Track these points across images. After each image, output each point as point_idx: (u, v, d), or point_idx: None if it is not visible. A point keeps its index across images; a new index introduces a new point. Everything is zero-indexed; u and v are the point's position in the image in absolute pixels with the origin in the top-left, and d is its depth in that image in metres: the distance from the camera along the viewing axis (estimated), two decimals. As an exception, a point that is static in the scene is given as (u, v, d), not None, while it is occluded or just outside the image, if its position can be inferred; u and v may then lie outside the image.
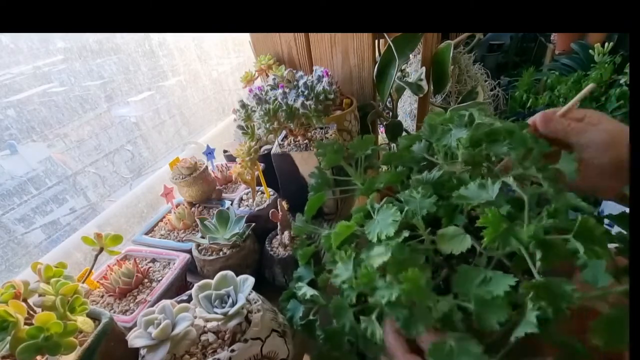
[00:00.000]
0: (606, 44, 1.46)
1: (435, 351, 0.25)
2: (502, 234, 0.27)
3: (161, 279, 0.51)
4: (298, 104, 0.57)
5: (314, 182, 0.46)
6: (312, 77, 0.62)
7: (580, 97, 0.38)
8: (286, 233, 0.55)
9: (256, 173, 0.62)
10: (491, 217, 0.27)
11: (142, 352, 0.36)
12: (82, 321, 0.36)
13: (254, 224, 0.55)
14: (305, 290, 0.38)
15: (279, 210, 0.54)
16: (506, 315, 0.24)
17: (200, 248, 0.54)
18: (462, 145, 0.35)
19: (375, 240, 0.32)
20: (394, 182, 0.40)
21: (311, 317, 0.38)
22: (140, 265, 0.53)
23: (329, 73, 0.63)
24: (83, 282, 0.46)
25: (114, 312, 0.47)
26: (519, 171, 0.32)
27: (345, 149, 0.47)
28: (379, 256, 0.30)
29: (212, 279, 0.41)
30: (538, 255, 0.25)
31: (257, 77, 0.88)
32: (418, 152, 0.42)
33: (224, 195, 0.73)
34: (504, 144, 0.34)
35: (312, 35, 0.85)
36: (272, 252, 0.55)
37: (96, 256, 0.48)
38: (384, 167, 0.47)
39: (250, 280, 0.41)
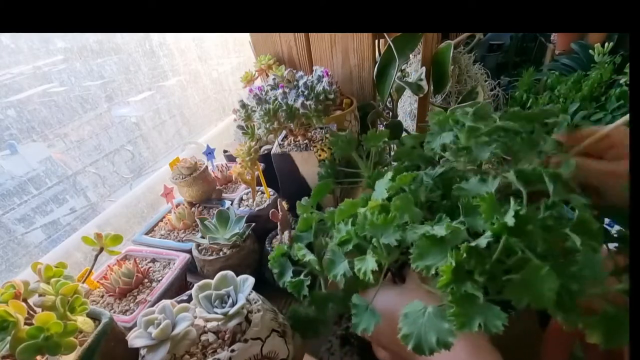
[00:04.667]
0: (606, 44, 1.46)
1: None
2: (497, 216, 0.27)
3: (161, 279, 0.51)
4: (298, 104, 0.57)
5: (323, 171, 0.47)
6: (312, 77, 0.62)
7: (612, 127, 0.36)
8: (286, 233, 0.55)
9: (256, 173, 0.62)
10: (488, 200, 0.27)
11: (142, 352, 0.36)
12: (82, 321, 0.36)
13: (254, 224, 0.55)
14: (305, 253, 0.40)
15: (279, 210, 0.54)
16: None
17: (200, 248, 0.54)
18: (462, 142, 0.36)
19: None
20: None
21: (302, 277, 0.40)
22: (140, 265, 0.53)
23: (329, 73, 0.63)
24: (83, 282, 0.46)
25: (114, 312, 0.47)
26: (523, 167, 0.32)
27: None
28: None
29: (212, 279, 0.41)
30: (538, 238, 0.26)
31: (257, 77, 0.88)
32: (427, 150, 0.43)
33: (224, 195, 0.73)
34: (495, 144, 0.34)
35: (312, 35, 0.85)
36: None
37: (96, 256, 0.48)
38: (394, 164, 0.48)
39: (250, 280, 0.41)
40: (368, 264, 0.32)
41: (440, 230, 0.27)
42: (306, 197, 0.47)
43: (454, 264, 0.25)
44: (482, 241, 0.25)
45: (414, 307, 0.28)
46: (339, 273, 0.35)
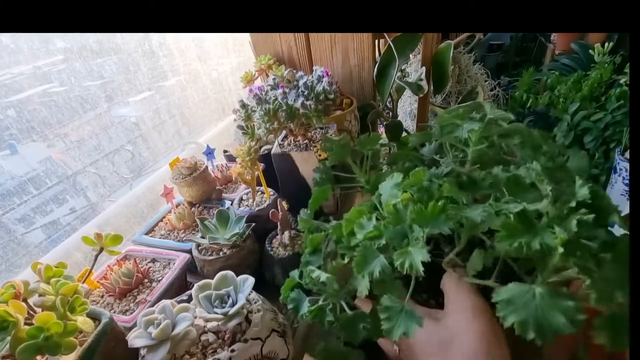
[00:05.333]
0: (606, 44, 1.46)
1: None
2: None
3: (161, 279, 0.51)
4: (298, 104, 0.57)
5: (318, 177, 0.46)
6: (312, 77, 0.62)
7: None
8: (286, 233, 0.55)
9: (256, 173, 0.62)
10: (538, 175, 0.27)
11: (142, 352, 0.36)
12: (82, 321, 0.36)
13: (254, 224, 0.55)
14: (319, 274, 0.36)
15: (279, 210, 0.54)
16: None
17: (200, 248, 0.54)
18: (472, 141, 0.35)
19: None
20: None
21: (321, 303, 0.36)
22: (140, 265, 0.53)
23: (329, 73, 0.63)
24: (83, 282, 0.46)
25: (114, 312, 0.47)
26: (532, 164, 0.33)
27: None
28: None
29: (212, 279, 0.41)
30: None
31: (257, 77, 0.88)
32: (427, 153, 0.42)
33: (224, 195, 0.73)
34: (516, 138, 0.34)
35: (312, 35, 0.85)
36: (272, 252, 0.55)
37: (96, 256, 0.48)
38: (386, 168, 0.47)
39: (250, 280, 0.41)
40: (415, 256, 0.28)
41: (541, 204, 0.25)
42: (305, 210, 0.46)
43: (566, 236, 0.23)
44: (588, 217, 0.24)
45: (517, 290, 0.25)
46: (375, 269, 0.30)
